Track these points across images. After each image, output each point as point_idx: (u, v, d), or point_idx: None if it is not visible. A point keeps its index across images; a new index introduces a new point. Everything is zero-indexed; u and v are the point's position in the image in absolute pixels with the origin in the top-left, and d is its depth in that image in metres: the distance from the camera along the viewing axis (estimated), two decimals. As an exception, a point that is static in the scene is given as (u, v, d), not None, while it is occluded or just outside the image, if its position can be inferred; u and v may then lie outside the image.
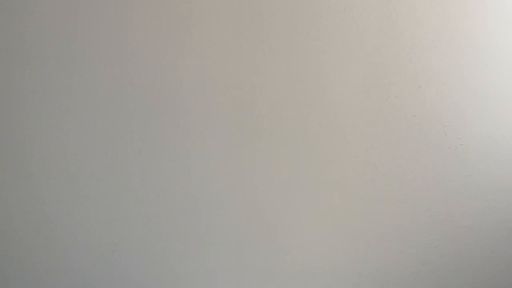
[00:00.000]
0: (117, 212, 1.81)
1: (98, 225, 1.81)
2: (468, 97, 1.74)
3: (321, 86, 1.75)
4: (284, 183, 1.78)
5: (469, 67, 1.73)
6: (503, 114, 1.75)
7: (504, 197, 1.77)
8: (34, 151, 1.79)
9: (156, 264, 1.82)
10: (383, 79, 1.74)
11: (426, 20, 1.72)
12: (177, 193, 1.80)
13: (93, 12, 1.75)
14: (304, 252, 1.82)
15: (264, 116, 1.77)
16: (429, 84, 1.73)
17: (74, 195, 1.81)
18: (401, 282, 1.81)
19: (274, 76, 1.75)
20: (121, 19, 1.75)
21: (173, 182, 1.80)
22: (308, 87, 1.76)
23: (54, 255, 1.82)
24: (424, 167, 1.76)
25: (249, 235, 1.80)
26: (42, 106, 1.78)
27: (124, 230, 1.81)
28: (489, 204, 1.77)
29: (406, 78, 1.74)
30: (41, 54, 1.77)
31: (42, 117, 1.78)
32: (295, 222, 1.80)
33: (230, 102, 1.77)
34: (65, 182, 1.80)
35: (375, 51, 1.73)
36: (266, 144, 1.78)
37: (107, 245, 1.82)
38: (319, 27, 1.74)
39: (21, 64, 1.77)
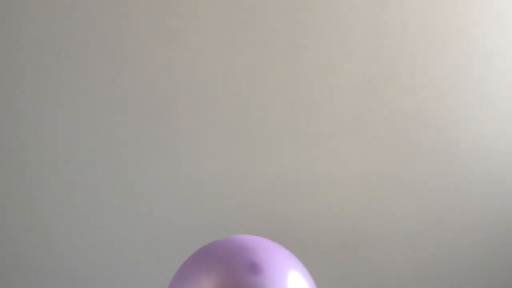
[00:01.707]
0: (114, 212, 1.81)
1: (94, 225, 1.82)
2: (463, 101, 1.76)
3: (316, 88, 1.77)
4: (279, 183, 1.79)
5: (464, 70, 1.75)
6: (497, 118, 1.76)
7: (498, 200, 1.79)
8: (29, 150, 1.80)
9: (154, 263, 1.83)
10: (379, 83, 1.76)
11: (421, 23, 1.74)
12: (174, 193, 1.80)
13: (90, 11, 1.76)
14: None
15: (260, 117, 1.78)
16: (425, 87, 1.75)
17: (70, 195, 1.81)
18: (401, 283, 1.81)
19: (269, 77, 1.77)
20: (117, 18, 1.77)
21: (170, 182, 1.80)
22: (302, 89, 1.77)
23: (51, 255, 1.82)
24: (418, 168, 1.77)
25: (247, 233, 1.81)
26: (39, 104, 1.79)
27: (121, 230, 1.81)
28: (483, 207, 1.79)
29: (402, 80, 1.76)
30: (38, 53, 1.77)
31: (38, 116, 1.79)
32: (294, 224, 1.80)
33: (226, 101, 1.78)
34: (61, 182, 1.81)
35: (371, 52, 1.75)
36: (261, 145, 1.79)
37: (102, 245, 1.82)
38: (316, 29, 1.75)
39: (20, 63, 1.78)
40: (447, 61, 1.76)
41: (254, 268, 0.96)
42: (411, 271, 1.82)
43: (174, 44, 1.78)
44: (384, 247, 1.81)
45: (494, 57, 1.75)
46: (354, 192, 1.80)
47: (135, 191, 1.81)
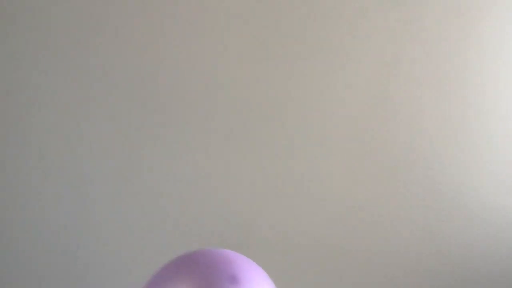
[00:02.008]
0: (111, 210, 1.82)
1: (90, 222, 1.83)
2: (453, 147, 1.78)
3: (315, 110, 1.79)
4: (269, 189, 1.82)
5: (461, 118, 1.78)
6: (482, 168, 1.79)
7: (471, 245, 1.81)
8: (30, 144, 1.80)
9: (138, 256, 1.84)
10: (378, 112, 1.77)
11: (426, 63, 1.77)
12: (161, 189, 1.82)
13: (96, 10, 1.78)
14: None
15: (257, 123, 1.80)
16: (420, 126, 1.77)
17: (68, 195, 1.82)
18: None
19: (269, 82, 1.79)
20: (122, 17, 1.78)
21: (159, 178, 1.82)
22: (302, 113, 1.79)
23: (53, 252, 1.82)
24: (399, 204, 1.80)
25: (234, 235, 1.83)
26: (41, 101, 1.79)
27: (117, 227, 1.82)
28: (456, 249, 1.81)
29: (400, 116, 1.78)
30: (40, 51, 1.79)
31: (41, 111, 1.80)
32: (285, 229, 1.83)
33: (224, 101, 1.79)
34: (59, 181, 1.81)
35: (374, 85, 1.77)
36: (257, 148, 1.81)
37: (89, 233, 1.83)
38: (323, 59, 1.78)
39: (22, 62, 1.79)
40: (446, 100, 1.79)
41: (233, 280, 0.97)
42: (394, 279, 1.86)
43: (175, 44, 1.78)
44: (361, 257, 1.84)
45: (497, 101, 1.79)
46: (333, 219, 1.82)
47: (132, 190, 1.82)
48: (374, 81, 1.78)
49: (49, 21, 1.78)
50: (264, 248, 1.81)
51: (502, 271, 1.80)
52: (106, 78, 1.79)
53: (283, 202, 1.81)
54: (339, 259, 1.81)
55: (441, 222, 1.80)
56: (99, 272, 1.83)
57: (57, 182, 1.81)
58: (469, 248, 1.80)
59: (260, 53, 1.78)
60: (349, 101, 1.78)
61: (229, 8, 1.77)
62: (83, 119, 1.80)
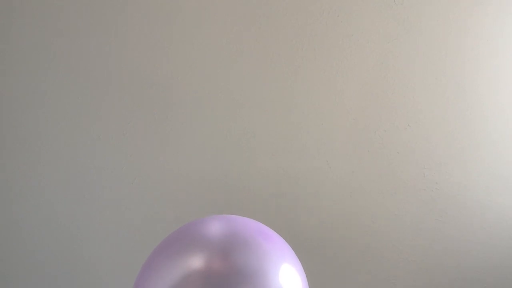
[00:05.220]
0: (96, 195, 1.81)
1: (75, 206, 1.81)
2: (450, 146, 1.79)
3: (315, 110, 1.79)
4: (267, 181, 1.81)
5: (458, 117, 1.79)
6: (479, 167, 1.80)
7: (469, 244, 1.81)
8: (24, 136, 1.79)
9: (126, 251, 1.82)
10: (376, 111, 1.78)
11: (422, 63, 1.78)
12: (152, 181, 1.81)
13: (97, 9, 1.78)
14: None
15: (251, 125, 1.80)
16: (418, 125, 1.78)
17: (63, 175, 1.81)
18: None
19: (268, 99, 1.79)
20: (118, 16, 1.78)
21: (149, 170, 1.81)
22: (301, 113, 1.79)
23: (53, 243, 1.81)
24: (398, 203, 1.80)
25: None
26: (41, 101, 1.79)
27: (96, 214, 1.81)
28: (455, 248, 1.82)
29: (397, 115, 1.78)
30: (42, 51, 1.78)
31: (36, 102, 1.79)
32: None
33: (215, 99, 1.79)
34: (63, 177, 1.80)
35: (372, 85, 1.78)
36: (250, 146, 1.80)
37: (81, 227, 1.81)
38: (322, 59, 1.78)
39: (19, 60, 1.78)
40: (444, 105, 1.79)
41: (264, 234, 0.94)
42: (402, 272, 1.84)
43: (175, 44, 1.78)
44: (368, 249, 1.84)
45: (489, 113, 1.79)
46: (333, 220, 1.82)
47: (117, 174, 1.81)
48: (372, 80, 1.78)
49: (53, 20, 1.78)
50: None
51: (501, 270, 1.80)
52: (106, 79, 1.79)
53: (282, 201, 1.81)
54: (338, 257, 1.81)
55: (441, 222, 1.80)
56: (101, 272, 1.82)
57: (58, 182, 1.81)
58: (469, 247, 1.81)
59: (259, 52, 1.79)
60: (348, 100, 1.78)
61: (229, 9, 1.78)
62: (83, 119, 1.80)
